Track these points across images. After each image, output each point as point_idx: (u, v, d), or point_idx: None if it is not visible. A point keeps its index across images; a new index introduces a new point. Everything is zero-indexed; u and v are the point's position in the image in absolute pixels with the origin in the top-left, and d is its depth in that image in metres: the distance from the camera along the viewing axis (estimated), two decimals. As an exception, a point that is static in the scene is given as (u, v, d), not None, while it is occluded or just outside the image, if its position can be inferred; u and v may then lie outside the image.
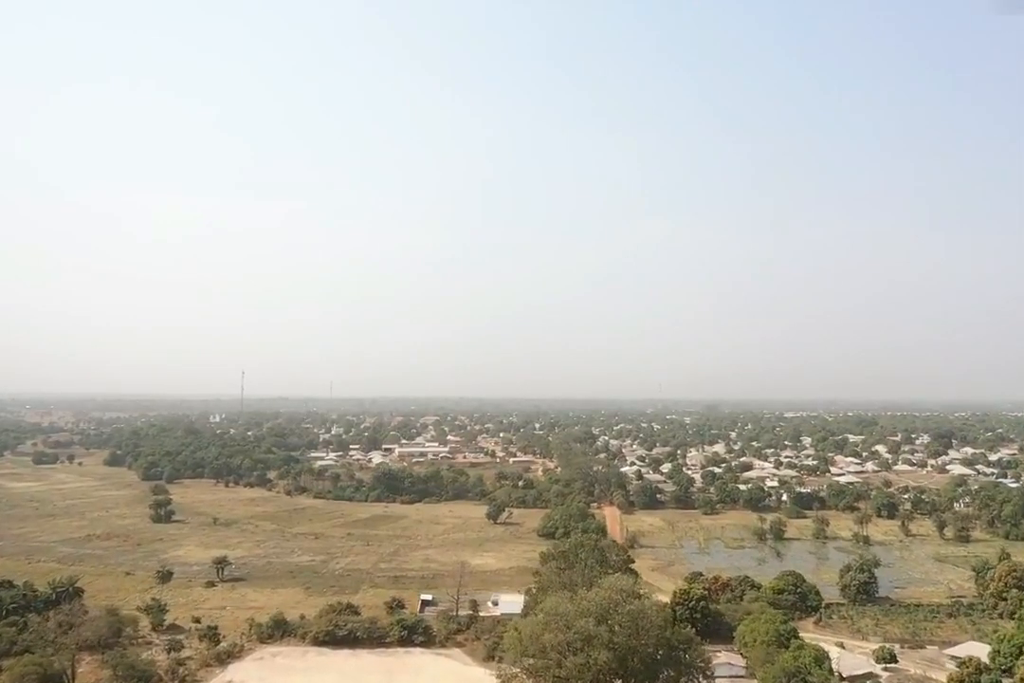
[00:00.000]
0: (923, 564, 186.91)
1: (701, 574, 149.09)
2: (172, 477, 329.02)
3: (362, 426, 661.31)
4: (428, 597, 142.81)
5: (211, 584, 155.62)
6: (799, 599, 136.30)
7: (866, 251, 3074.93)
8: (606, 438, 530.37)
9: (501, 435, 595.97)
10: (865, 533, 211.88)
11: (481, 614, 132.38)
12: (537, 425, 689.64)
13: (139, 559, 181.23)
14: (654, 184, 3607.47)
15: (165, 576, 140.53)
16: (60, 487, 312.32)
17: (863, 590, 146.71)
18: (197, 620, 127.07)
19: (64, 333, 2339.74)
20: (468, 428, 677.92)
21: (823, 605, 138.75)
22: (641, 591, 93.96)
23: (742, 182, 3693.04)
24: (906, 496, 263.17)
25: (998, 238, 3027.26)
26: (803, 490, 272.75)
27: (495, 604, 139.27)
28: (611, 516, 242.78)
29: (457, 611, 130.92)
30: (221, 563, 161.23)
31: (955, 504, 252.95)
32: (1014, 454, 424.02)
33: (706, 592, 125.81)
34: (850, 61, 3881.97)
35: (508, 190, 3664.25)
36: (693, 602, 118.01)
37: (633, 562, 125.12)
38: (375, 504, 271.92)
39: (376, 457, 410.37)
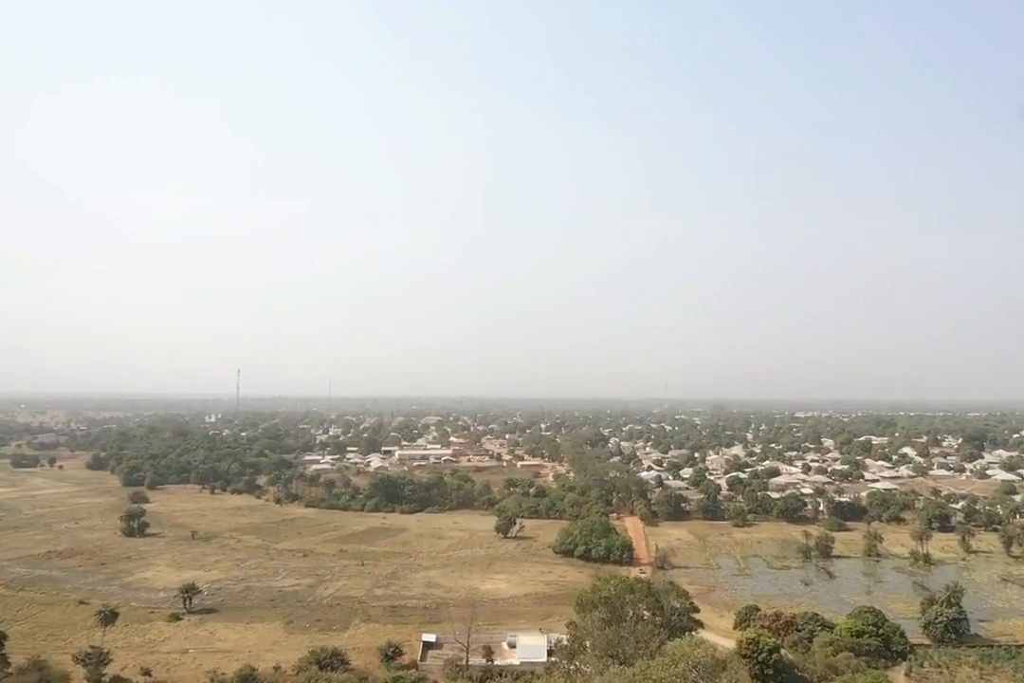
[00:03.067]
0: (999, 589, 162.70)
1: (757, 608, 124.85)
2: (155, 482, 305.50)
3: (361, 427, 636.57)
4: (431, 637, 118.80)
5: (176, 617, 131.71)
6: (882, 643, 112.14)
7: (867, 251, 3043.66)
8: (616, 440, 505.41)
9: (507, 437, 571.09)
10: (925, 550, 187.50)
11: (496, 661, 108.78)
12: (543, 426, 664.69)
13: (99, 583, 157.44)
14: (655, 183, 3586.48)
15: (109, 617, 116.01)
16: (33, 493, 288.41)
17: (952, 628, 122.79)
18: (147, 672, 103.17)
19: (64, 332, 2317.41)
20: (471, 429, 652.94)
21: (910, 650, 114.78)
22: (713, 648, 70.16)
23: (743, 182, 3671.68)
24: (958, 506, 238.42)
25: (1000, 238, 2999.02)
26: (843, 499, 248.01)
27: (512, 647, 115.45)
28: (634, 529, 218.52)
29: (467, 659, 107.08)
30: (189, 592, 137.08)
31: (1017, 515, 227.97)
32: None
33: (777, 639, 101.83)
34: (851, 61, 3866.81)
35: (509, 190, 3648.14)
36: (764, 654, 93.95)
37: (698, 611, 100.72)
38: (372, 514, 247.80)
39: (375, 460, 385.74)
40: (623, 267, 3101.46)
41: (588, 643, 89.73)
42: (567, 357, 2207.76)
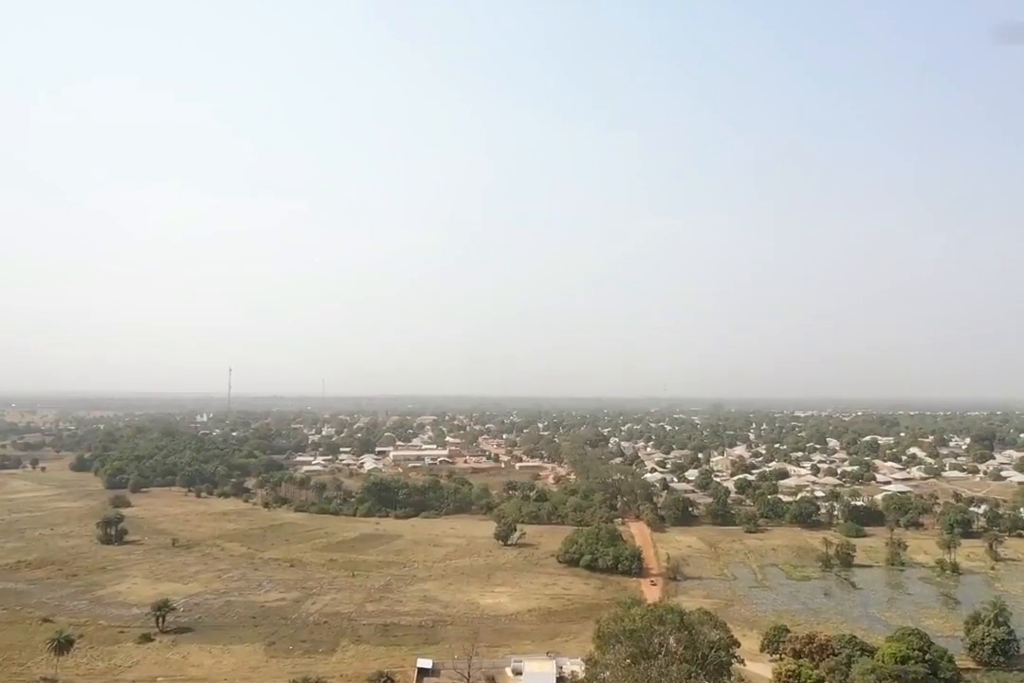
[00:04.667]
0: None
1: (787, 629, 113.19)
2: (139, 485, 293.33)
3: (355, 426, 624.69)
4: (427, 664, 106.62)
5: (147, 638, 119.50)
6: (929, 669, 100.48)
7: (865, 251, 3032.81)
8: (616, 440, 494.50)
9: (504, 437, 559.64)
10: (953, 559, 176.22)
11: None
12: (541, 425, 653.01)
13: (68, 597, 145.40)
14: (655, 183, 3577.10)
15: (63, 645, 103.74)
16: (12, 497, 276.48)
17: (1001, 650, 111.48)
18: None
19: (60, 332, 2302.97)
20: (468, 429, 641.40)
21: (958, 676, 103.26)
22: None
23: (743, 181, 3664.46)
24: (979, 510, 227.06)
25: (996, 238, 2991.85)
26: (858, 503, 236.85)
27: (517, 674, 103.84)
28: (641, 536, 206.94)
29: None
30: (162, 609, 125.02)
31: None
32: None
33: (813, 665, 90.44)
34: (851, 61, 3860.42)
35: (509, 190, 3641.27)
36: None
37: (738, 645, 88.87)
38: (365, 519, 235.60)
39: (368, 462, 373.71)
40: (622, 267, 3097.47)
41: (608, 675, 78.37)
42: (565, 356, 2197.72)
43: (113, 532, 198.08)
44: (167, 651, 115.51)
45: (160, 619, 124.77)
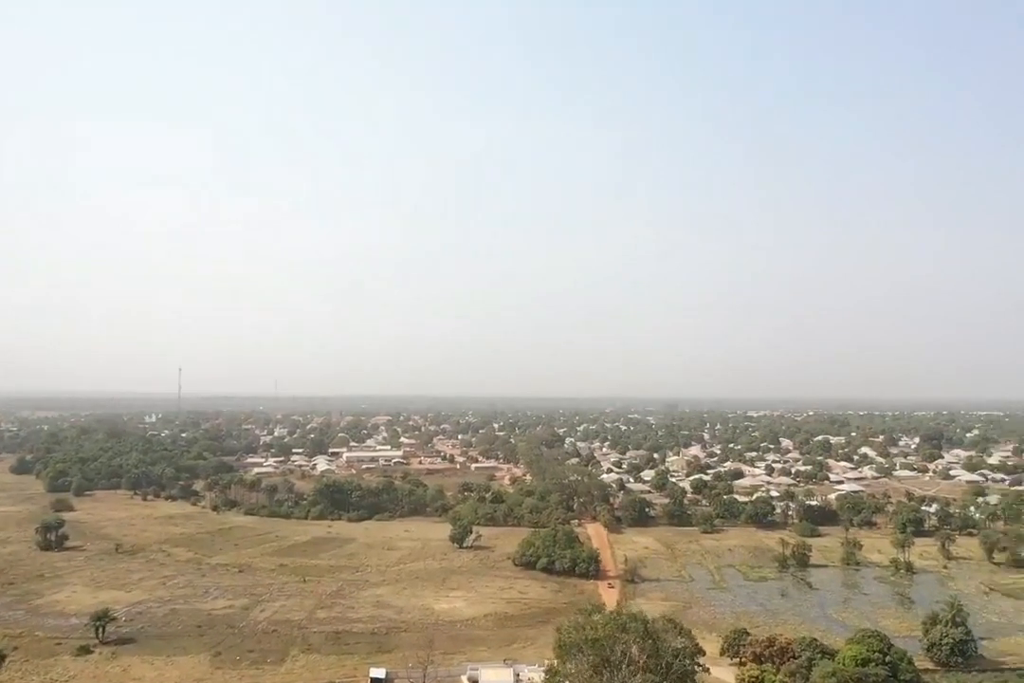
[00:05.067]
0: (990, 600, 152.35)
1: (747, 632, 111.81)
2: (83, 488, 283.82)
3: (308, 427, 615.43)
4: (380, 673, 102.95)
5: (85, 650, 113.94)
6: (889, 671, 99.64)
7: (865, 251, 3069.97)
8: (572, 440, 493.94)
9: (459, 437, 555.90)
10: (907, 558, 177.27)
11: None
12: (496, 425, 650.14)
13: (2, 607, 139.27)
14: (652, 183, 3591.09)
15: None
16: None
17: (958, 650, 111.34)
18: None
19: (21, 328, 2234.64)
20: (423, 429, 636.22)
21: (919, 679, 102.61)
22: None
23: (743, 180, 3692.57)
24: (931, 509, 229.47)
25: (997, 237, 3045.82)
26: (812, 503, 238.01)
27: (474, 682, 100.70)
28: (598, 537, 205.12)
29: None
30: (102, 619, 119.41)
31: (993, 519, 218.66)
32: (1008, 456, 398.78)
33: (774, 669, 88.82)
34: (849, 60, 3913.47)
35: (501, 189, 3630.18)
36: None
37: (703, 653, 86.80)
38: (317, 522, 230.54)
39: (321, 463, 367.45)
40: (622, 267, 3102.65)
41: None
42: (520, 356, 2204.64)
43: (53, 537, 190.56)
44: (106, 664, 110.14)
45: (100, 629, 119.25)
